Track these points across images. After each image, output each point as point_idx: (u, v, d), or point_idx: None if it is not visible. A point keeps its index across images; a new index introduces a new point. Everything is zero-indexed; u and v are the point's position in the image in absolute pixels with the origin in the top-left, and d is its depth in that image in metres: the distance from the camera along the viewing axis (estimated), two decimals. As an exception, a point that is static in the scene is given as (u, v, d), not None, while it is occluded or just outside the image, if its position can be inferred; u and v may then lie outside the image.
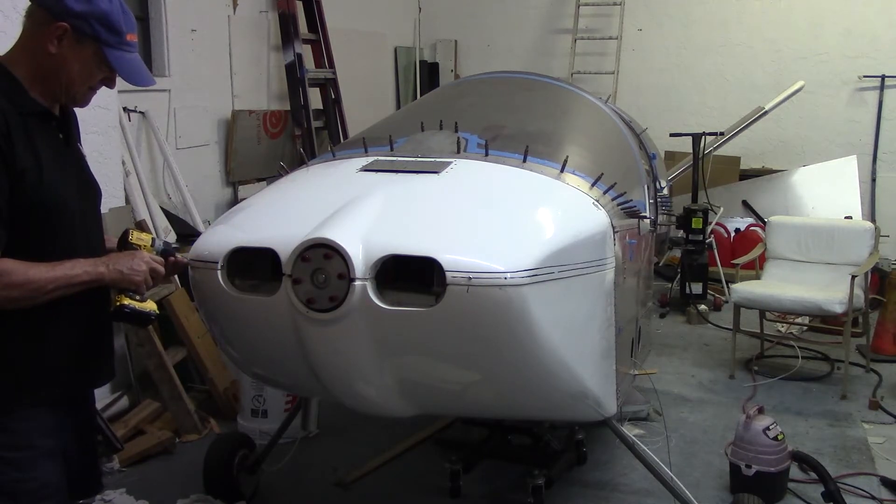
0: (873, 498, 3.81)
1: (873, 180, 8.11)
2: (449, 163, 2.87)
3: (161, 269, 2.28)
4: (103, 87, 2.23)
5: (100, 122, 4.38)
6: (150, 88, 5.41)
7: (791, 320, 6.17)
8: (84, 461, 2.36)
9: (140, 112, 5.36)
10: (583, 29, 8.94)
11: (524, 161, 2.94)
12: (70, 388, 2.22)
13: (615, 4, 8.75)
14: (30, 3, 2.10)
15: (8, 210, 1.98)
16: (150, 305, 2.29)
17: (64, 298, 2.07)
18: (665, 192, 4.94)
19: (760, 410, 3.81)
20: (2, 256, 1.98)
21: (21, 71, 2.08)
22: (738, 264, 5.70)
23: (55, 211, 2.08)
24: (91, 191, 2.29)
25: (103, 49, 2.09)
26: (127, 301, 2.21)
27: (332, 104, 7.21)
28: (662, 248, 5.88)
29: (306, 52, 6.90)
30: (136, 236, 2.32)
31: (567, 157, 2.99)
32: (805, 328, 6.14)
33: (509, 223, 2.60)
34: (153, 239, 2.36)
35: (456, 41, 9.53)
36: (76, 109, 2.31)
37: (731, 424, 4.25)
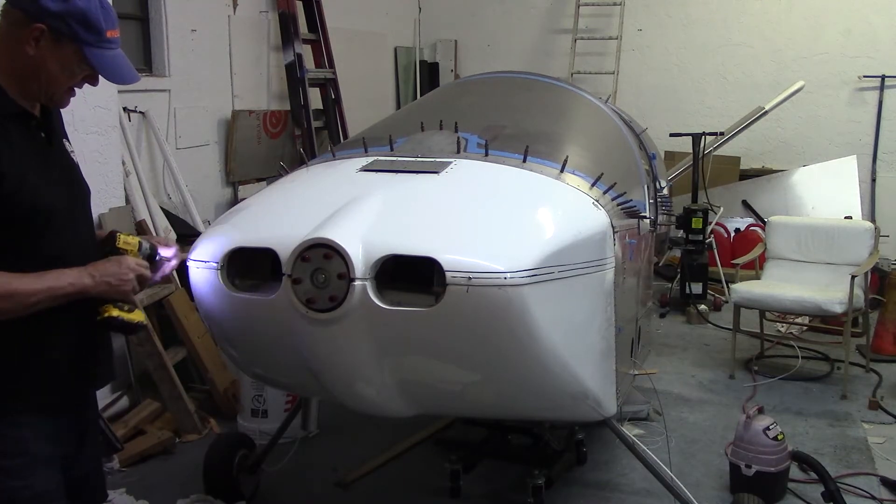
0: (873, 498, 3.81)
1: (873, 180, 8.11)
2: (449, 163, 2.87)
3: (148, 273, 2.22)
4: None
5: (100, 122, 4.38)
6: (150, 88, 5.44)
7: (791, 320, 6.17)
8: (87, 467, 2.32)
9: (140, 112, 5.36)
10: (583, 29, 8.94)
11: (524, 161, 2.94)
12: (66, 393, 2.18)
13: (615, 4, 8.76)
14: (4, 4, 2.05)
15: None
16: (139, 316, 2.22)
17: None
18: (665, 192, 4.94)
19: (760, 410, 3.81)
20: None
21: None
22: (738, 264, 5.69)
23: (41, 212, 2.03)
24: (79, 190, 2.23)
25: (83, 48, 2.03)
26: (116, 313, 2.15)
27: (332, 104, 7.21)
28: (662, 248, 5.88)
29: (306, 52, 6.90)
30: (122, 240, 2.24)
31: (567, 157, 2.99)
32: (805, 328, 6.14)
33: (509, 223, 2.60)
34: (140, 242, 2.29)
35: (456, 41, 9.53)
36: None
37: (731, 424, 4.25)
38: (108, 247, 2.24)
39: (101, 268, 2.11)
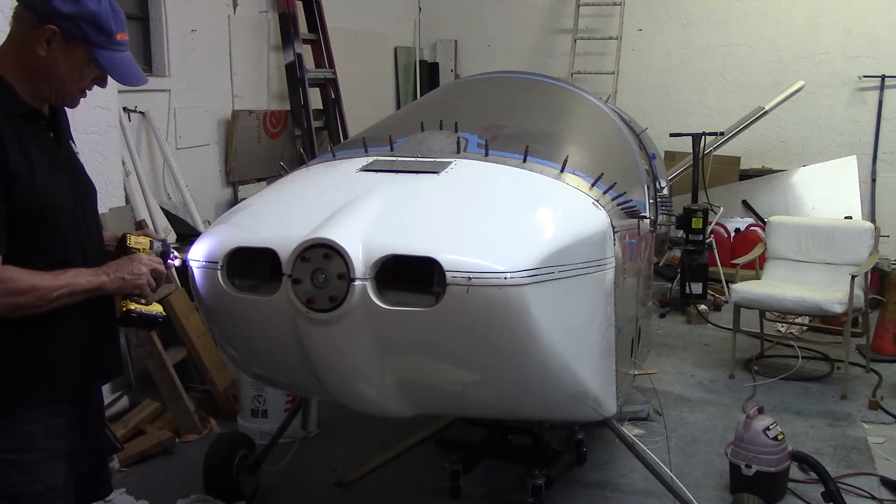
0: (873, 498, 3.81)
1: (873, 180, 8.11)
2: (449, 163, 2.87)
3: (162, 269, 2.28)
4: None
5: (100, 122, 4.37)
6: (150, 88, 5.43)
7: (791, 320, 6.17)
8: (92, 462, 2.34)
9: (140, 112, 5.36)
10: (583, 29, 8.94)
11: (524, 161, 2.94)
12: (73, 389, 2.20)
13: (615, 4, 8.75)
14: (16, 5, 2.06)
15: (4, 212, 1.95)
16: (157, 308, 2.30)
17: None
18: (665, 192, 4.94)
19: (760, 410, 3.81)
20: (3, 263, 1.96)
21: (9, 73, 2.05)
22: (738, 264, 5.70)
23: (49, 211, 2.05)
24: (85, 189, 2.26)
25: (93, 50, 2.06)
26: (133, 306, 2.23)
27: (332, 104, 7.20)
28: (662, 248, 5.88)
29: (306, 52, 6.90)
30: (133, 241, 2.31)
31: (567, 157, 2.99)
32: (805, 328, 6.14)
33: (509, 223, 2.60)
34: (151, 241, 2.36)
35: (456, 41, 9.53)
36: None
37: (731, 424, 4.25)
38: (120, 248, 2.31)
39: (115, 265, 2.18)
